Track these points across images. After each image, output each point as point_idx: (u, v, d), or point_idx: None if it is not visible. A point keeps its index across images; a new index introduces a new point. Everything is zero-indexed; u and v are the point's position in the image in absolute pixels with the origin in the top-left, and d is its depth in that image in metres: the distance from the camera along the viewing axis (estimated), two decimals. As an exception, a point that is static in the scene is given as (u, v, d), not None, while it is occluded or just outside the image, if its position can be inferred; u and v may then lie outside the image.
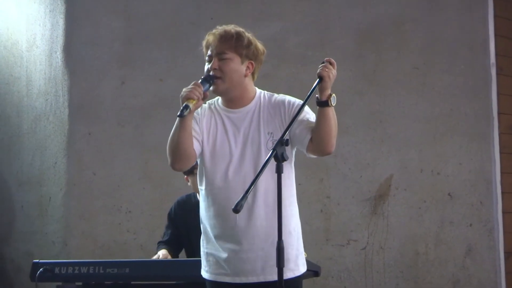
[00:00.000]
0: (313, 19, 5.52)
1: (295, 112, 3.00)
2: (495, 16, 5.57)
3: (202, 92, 2.98)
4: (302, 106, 2.97)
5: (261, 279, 3.04)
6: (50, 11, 5.75)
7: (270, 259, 2.95)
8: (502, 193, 5.48)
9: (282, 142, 2.81)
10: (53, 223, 5.60)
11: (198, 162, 3.16)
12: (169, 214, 4.55)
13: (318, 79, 2.95)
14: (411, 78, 5.48)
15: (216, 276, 3.11)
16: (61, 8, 5.66)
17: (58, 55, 5.65)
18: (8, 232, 6.03)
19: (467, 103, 5.47)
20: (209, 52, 3.11)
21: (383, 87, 5.47)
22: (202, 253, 3.18)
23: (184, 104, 2.95)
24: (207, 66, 3.11)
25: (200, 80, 3.03)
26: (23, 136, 5.94)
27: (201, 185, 3.14)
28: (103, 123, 5.53)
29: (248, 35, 3.13)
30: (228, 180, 3.05)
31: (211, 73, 3.07)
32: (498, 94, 5.54)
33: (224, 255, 3.07)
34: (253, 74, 3.16)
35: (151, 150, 5.41)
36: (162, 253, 4.30)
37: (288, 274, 3.01)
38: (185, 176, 4.43)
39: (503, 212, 5.47)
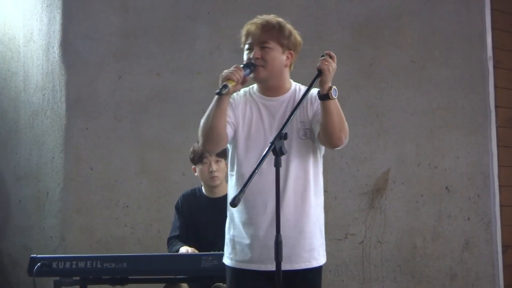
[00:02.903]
0: (310, 12, 5.51)
1: (314, 103, 3.07)
2: (492, 9, 5.57)
3: (242, 76, 2.99)
4: (301, 100, 2.98)
5: (287, 267, 2.97)
6: (47, 6, 5.74)
7: (297, 247, 2.99)
8: (499, 186, 5.48)
9: (280, 136, 2.81)
10: (50, 217, 5.59)
11: (230, 148, 3.16)
12: (177, 207, 4.49)
13: (317, 73, 2.95)
14: (408, 71, 5.48)
15: (240, 263, 3.10)
16: (57, 2, 5.65)
17: (55, 50, 5.64)
18: (5, 226, 6.03)
19: (464, 97, 5.47)
20: (249, 40, 3.11)
21: (380, 81, 5.47)
22: (226, 240, 3.17)
23: (223, 84, 2.96)
24: (246, 54, 3.11)
25: (242, 65, 3.03)
26: (20, 131, 5.94)
27: (231, 170, 3.14)
28: (100, 117, 5.52)
29: (289, 26, 3.14)
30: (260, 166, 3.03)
31: (252, 60, 3.07)
32: (495, 87, 5.54)
33: (249, 241, 3.06)
34: (290, 65, 3.17)
35: (148, 144, 5.40)
36: (190, 248, 4.22)
37: (313, 263, 3.04)
38: (193, 167, 4.39)
39: (501, 206, 5.47)
